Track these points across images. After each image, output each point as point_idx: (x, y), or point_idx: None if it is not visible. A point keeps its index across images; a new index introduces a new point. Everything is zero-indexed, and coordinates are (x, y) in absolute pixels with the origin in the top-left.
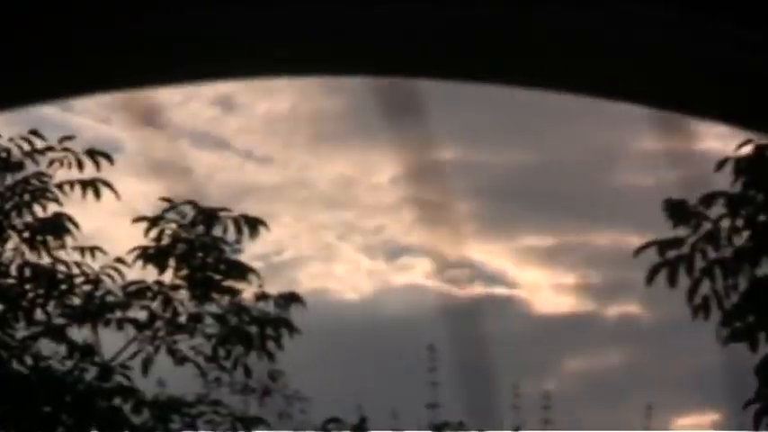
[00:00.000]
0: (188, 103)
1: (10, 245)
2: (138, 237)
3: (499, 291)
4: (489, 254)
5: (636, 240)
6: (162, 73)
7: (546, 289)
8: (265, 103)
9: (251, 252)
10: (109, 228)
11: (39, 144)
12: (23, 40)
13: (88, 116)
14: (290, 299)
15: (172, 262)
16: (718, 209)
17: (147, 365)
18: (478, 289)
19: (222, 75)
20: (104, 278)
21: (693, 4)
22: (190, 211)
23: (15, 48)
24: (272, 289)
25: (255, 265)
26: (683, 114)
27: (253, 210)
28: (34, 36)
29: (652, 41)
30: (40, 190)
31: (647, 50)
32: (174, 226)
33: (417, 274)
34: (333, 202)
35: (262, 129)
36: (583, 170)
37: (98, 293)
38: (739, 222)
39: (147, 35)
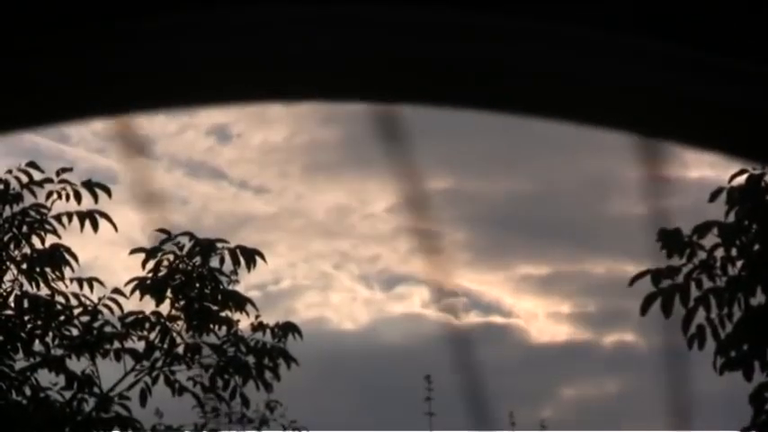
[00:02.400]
0: (183, 133)
1: (8, 276)
2: (134, 265)
3: (495, 320)
4: (485, 283)
5: (631, 269)
6: (154, 99)
7: (542, 318)
8: (261, 133)
9: (248, 281)
10: (105, 257)
11: (36, 176)
12: (13, 63)
13: (83, 147)
14: (287, 329)
15: (169, 293)
16: (712, 238)
17: (145, 396)
18: (475, 318)
19: (214, 101)
20: (102, 309)
21: (679, 35)
22: (187, 243)
23: (6, 71)
24: (270, 318)
25: (252, 294)
26: (674, 144)
27: (248, 239)
28: (22, 59)
29: (639, 72)
30: (38, 222)
31: (634, 81)
32: (171, 257)
33: (414, 303)
34: (329, 231)
35: (257, 159)
36: (578, 199)
37: (96, 324)
38: (733, 252)
39: (139, 61)
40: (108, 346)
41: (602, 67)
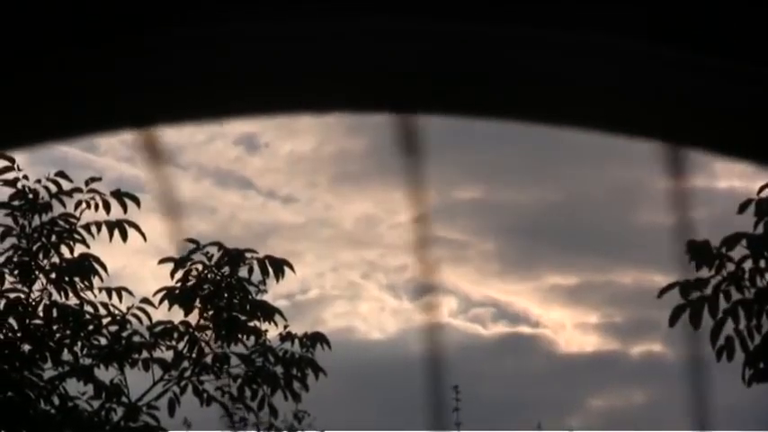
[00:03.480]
0: (212, 142)
1: (37, 286)
2: (162, 273)
3: (523, 330)
4: (513, 293)
5: (659, 279)
6: (182, 111)
7: (570, 328)
8: (289, 143)
9: (276, 291)
10: (134, 266)
11: (65, 186)
12: (39, 76)
13: (111, 156)
14: (315, 339)
15: (198, 303)
16: (740, 249)
17: (173, 405)
18: (503, 328)
19: (241, 112)
20: (131, 319)
21: (706, 44)
22: (216, 252)
23: (31, 84)
24: (298, 328)
25: (281, 303)
26: (703, 152)
27: (276, 249)
28: (49, 72)
29: (668, 80)
30: (67, 231)
31: (662, 89)
32: (199, 267)
33: (442, 312)
34: (356, 240)
35: (285, 168)
36: (606, 209)
37: (125, 334)
38: (762, 263)
39: (164, 71)
40: (136, 356)
41: (628, 74)
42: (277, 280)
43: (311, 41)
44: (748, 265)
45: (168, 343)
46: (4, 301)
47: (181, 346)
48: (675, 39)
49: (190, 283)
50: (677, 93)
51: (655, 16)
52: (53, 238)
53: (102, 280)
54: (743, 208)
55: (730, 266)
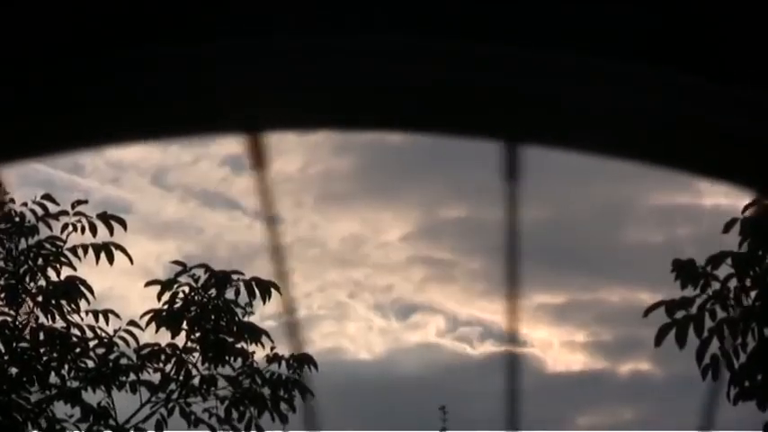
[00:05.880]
0: (198, 163)
1: (24, 309)
2: (148, 295)
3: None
4: (500, 312)
5: (647, 297)
6: (167, 127)
7: (557, 347)
8: (275, 162)
9: (264, 312)
10: (121, 287)
11: (52, 208)
12: (29, 91)
13: (96, 177)
14: (303, 361)
15: (185, 325)
16: (726, 268)
17: (160, 427)
18: (490, 347)
19: (226, 130)
20: (118, 341)
21: (694, 65)
22: (202, 274)
23: (22, 98)
24: (285, 349)
25: (268, 324)
26: (687, 174)
27: (263, 269)
28: (38, 86)
29: (653, 102)
30: (54, 254)
31: (647, 111)
32: (186, 289)
33: (430, 332)
34: (343, 260)
35: (272, 188)
36: (593, 227)
37: (112, 356)
38: (747, 282)
39: (150, 88)
40: (123, 378)
41: (615, 96)
42: (264, 302)
43: (298, 57)
44: (733, 283)
45: (155, 365)
46: None
47: (168, 368)
48: (661, 60)
49: (177, 306)
50: (664, 114)
51: (643, 38)
52: (40, 261)
53: (88, 303)
54: (728, 227)
55: (716, 285)
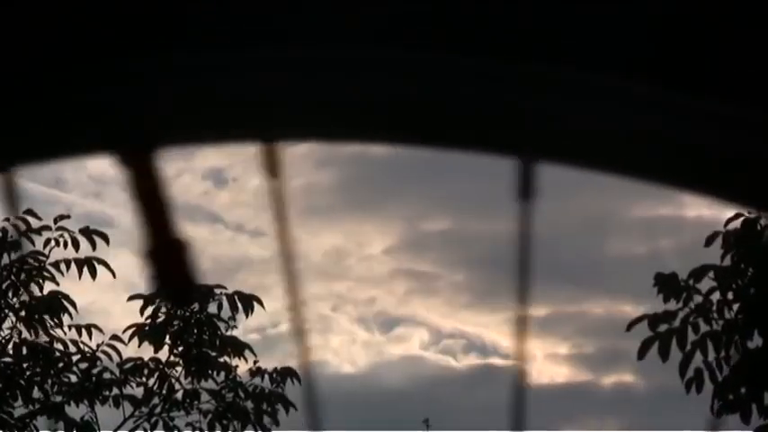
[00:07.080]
0: (180, 177)
1: (7, 324)
2: (131, 309)
3: (494, 361)
4: (484, 325)
5: (630, 309)
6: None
7: (541, 359)
8: (257, 176)
9: (246, 325)
10: (104, 301)
11: (34, 223)
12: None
13: (78, 192)
14: (285, 374)
15: (167, 339)
16: (708, 281)
17: None
18: (474, 360)
19: (216, 140)
20: (101, 356)
21: (674, 82)
22: None
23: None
24: (269, 361)
25: (251, 337)
26: (670, 188)
27: (245, 282)
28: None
29: (635, 117)
30: (37, 269)
31: (631, 125)
32: (169, 303)
33: (413, 345)
34: (325, 273)
35: (253, 202)
36: (576, 239)
37: (95, 371)
38: (730, 295)
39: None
40: (107, 393)
41: (600, 110)
42: (246, 315)
43: (290, 69)
44: (716, 297)
45: (138, 379)
46: None
47: (151, 382)
48: (645, 75)
49: (159, 320)
50: (647, 129)
51: (627, 53)
52: (22, 276)
53: (71, 317)
54: (709, 241)
55: (698, 299)
